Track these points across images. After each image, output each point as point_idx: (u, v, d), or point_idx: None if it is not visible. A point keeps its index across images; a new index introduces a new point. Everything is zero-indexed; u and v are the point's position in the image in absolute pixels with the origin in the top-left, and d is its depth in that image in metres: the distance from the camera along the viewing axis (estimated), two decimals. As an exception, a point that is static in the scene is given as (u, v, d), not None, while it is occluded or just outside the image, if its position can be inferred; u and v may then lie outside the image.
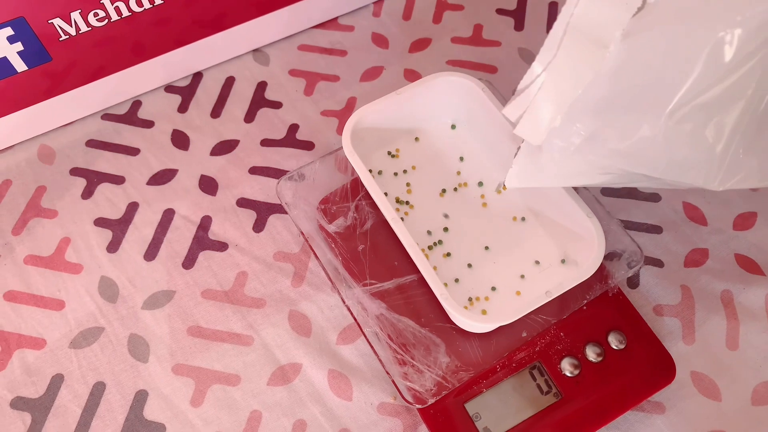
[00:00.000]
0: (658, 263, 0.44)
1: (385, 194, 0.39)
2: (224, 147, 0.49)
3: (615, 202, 0.46)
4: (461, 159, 0.44)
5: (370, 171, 0.43)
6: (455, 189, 0.43)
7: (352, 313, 0.39)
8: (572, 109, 0.32)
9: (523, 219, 0.42)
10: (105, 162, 0.48)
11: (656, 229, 0.45)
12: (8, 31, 0.41)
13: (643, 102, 0.30)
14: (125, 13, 0.44)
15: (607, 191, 0.47)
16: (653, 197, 0.46)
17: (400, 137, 0.45)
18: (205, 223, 0.46)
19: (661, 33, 0.29)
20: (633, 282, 0.43)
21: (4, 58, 0.43)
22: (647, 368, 0.39)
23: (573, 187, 0.39)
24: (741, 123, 0.29)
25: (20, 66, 0.44)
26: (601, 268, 0.40)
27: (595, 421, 0.37)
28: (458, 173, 0.44)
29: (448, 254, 0.41)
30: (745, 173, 0.30)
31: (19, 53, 0.43)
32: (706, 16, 0.27)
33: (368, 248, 0.42)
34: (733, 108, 0.29)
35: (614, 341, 0.39)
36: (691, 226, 0.45)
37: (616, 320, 0.40)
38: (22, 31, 0.42)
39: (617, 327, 0.40)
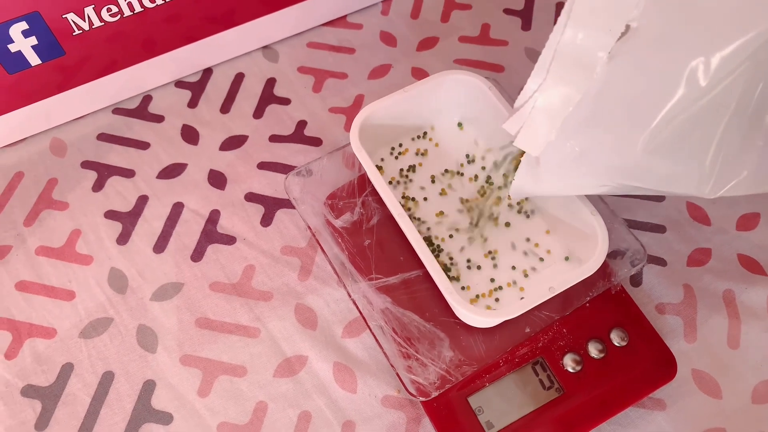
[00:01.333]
0: (661, 262, 0.44)
1: (392, 185, 0.40)
2: (233, 142, 0.50)
3: (619, 201, 0.47)
4: (467, 156, 0.45)
5: (377, 167, 0.44)
6: (461, 186, 0.44)
7: (357, 307, 0.40)
8: (564, 126, 0.33)
9: (527, 216, 0.42)
10: (116, 155, 0.49)
11: (660, 229, 0.46)
12: (23, 25, 0.42)
13: (628, 120, 0.31)
14: (137, 8, 0.45)
15: (612, 190, 0.47)
16: (657, 197, 0.47)
17: (407, 134, 0.46)
18: (213, 217, 0.46)
19: (643, 55, 0.30)
20: (636, 280, 0.44)
21: (19, 52, 0.43)
22: (649, 365, 0.39)
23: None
24: (727, 135, 0.30)
25: (34, 60, 0.44)
26: (605, 266, 0.40)
27: (597, 417, 0.38)
28: (465, 170, 0.44)
29: (453, 250, 0.41)
30: (735, 182, 0.31)
31: (33, 47, 0.44)
32: (686, 40, 0.29)
33: (374, 243, 0.42)
34: (718, 122, 0.30)
35: (616, 338, 0.40)
36: (695, 226, 0.46)
37: (618, 317, 0.40)
38: (36, 26, 0.43)
39: (619, 324, 0.40)
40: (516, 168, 0.39)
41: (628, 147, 0.31)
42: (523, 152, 0.37)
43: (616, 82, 0.32)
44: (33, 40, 0.43)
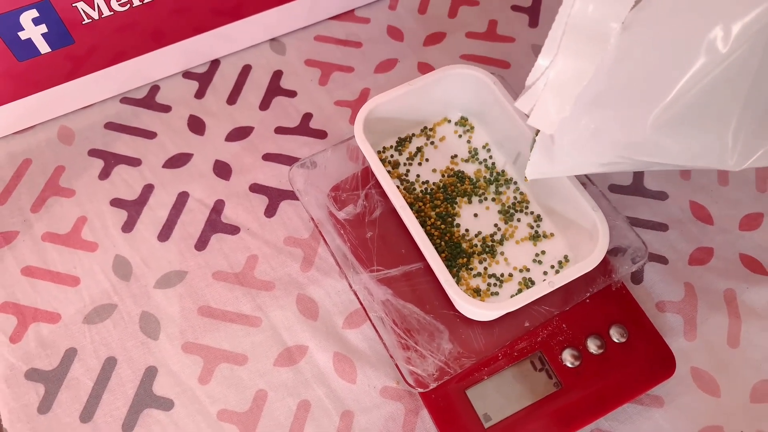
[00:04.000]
0: (662, 260, 0.44)
1: (395, 178, 0.40)
2: (239, 133, 0.50)
3: (622, 199, 0.47)
4: (471, 151, 0.45)
5: (381, 160, 0.44)
6: (464, 180, 0.44)
7: (358, 298, 0.40)
8: (578, 103, 0.33)
9: (528, 211, 0.43)
10: (122, 144, 0.49)
11: (662, 227, 0.46)
12: (33, 13, 0.43)
13: (645, 92, 0.30)
14: (147, -2, 0.45)
15: (615, 188, 0.47)
16: (660, 195, 0.47)
17: (412, 128, 0.46)
18: (218, 207, 0.47)
19: (659, 24, 0.29)
20: (637, 278, 0.44)
21: (29, 40, 0.44)
22: (647, 362, 0.39)
23: (581, 183, 0.40)
24: (750, 104, 0.29)
25: (44, 48, 0.45)
26: (606, 263, 0.40)
27: (594, 412, 0.38)
28: (468, 165, 0.45)
29: (455, 244, 0.42)
30: (762, 152, 0.30)
31: (44, 35, 0.44)
32: (703, 6, 0.28)
33: (376, 235, 0.42)
34: (738, 90, 0.29)
35: (616, 334, 0.40)
36: (698, 225, 0.46)
37: (618, 314, 0.40)
38: (46, 14, 0.43)
39: (619, 321, 0.40)
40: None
41: (644, 121, 0.30)
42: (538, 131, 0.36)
43: (630, 54, 0.30)
44: (43, 28, 0.44)
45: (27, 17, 0.43)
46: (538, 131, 0.36)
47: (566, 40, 0.32)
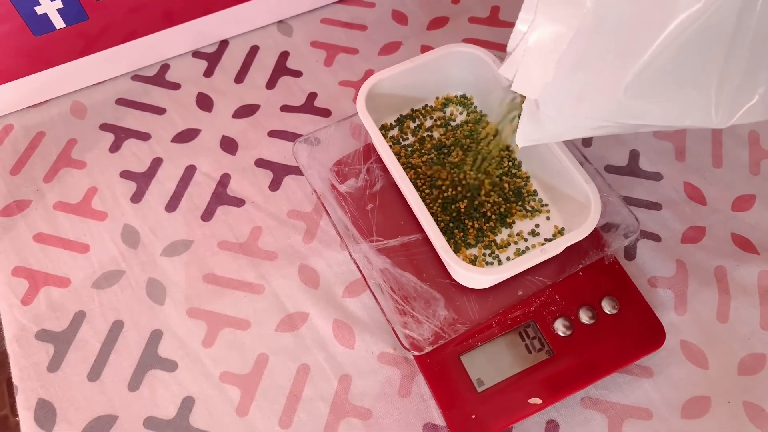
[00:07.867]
0: (655, 238, 0.45)
1: (396, 153, 0.41)
2: (246, 110, 0.51)
3: (618, 179, 0.48)
4: (469, 126, 0.46)
5: (383, 136, 0.45)
6: (463, 155, 0.45)
7: (358, 266, 0.41)
8: (560, 68, 0.33)
9: (525, 185, 0.44)
10: (133, 119, 0.51)
11: (656, 206, 0.47)
12: (50, -12, 0.44)
13: (622, 54, 0.31)
14: (159, -23, 0.47)
15: (611, 168, 0.48)
16: (655, 176, 0.48)
17: (413, 105, 0.47)
18: (224, 180, 0.48)
19: None
20: (630, 254, 0.45)
21: (45, 15, 0.45)
22: (637, 333, 0.40)
23: (577, 160, 0.41)
24: (731, 61, 0.29)
25: (59, 23, 0.46)
26: (599, 237, 0.41)
27: (584, 379, 0.39)
28: (467, 141, 0.46)
29: (452, 215, 0.43)
30: (747, 107, 0.30)
31: (59, 11, 0.46)
32: None
33: (376, 207, 0.44)
34: (719, 45, 0.29)
35: (607, 306, 0.41)
36: (691, 205, 0.47)
37: (610, 287, 0.42)
38: (62, -11, 0.45)
39: (611, 293, 0.41)
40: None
41: (623, 83, 0.31)
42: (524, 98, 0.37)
43: (607, 17, 0.30)
44: (59, 4, 0.45)
45: (44, -8, 0.44)
46: (523, 98, 0.37)
47: (542, 4, 0.32)
